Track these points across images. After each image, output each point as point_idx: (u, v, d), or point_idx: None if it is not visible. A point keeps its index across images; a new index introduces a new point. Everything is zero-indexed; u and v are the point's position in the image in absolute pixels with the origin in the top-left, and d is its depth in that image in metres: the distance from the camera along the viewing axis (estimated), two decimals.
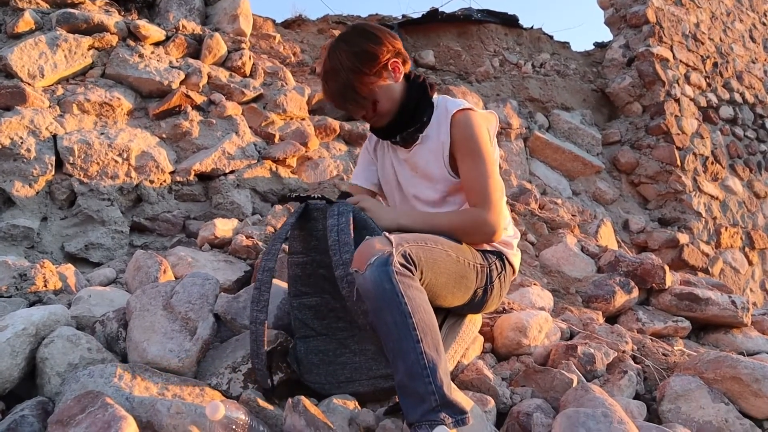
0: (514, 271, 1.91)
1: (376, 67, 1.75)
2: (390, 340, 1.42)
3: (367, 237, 1.51)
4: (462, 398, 1.59)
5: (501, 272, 1.82)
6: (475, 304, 1.79)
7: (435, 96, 1.88)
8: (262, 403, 1.52)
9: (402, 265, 1.45)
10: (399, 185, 1.94)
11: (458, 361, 1.91)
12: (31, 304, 2.06)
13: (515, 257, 1.90)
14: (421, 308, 1.43)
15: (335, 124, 4.16)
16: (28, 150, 2.95)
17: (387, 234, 1.52)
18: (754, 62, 7.68)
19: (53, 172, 3.02)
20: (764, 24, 8.16)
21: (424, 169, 1.85)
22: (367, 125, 1.95)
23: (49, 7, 3.51)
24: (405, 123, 1.83)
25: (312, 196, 1.71)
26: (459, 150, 1.78)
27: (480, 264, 1.74)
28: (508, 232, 1.88)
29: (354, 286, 1.47)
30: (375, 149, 2.04)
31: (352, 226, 1.55)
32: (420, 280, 1.50)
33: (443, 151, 1.80)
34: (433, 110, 1.84)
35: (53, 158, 3.02)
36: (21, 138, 2.96)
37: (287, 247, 1.80)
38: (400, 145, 1.90)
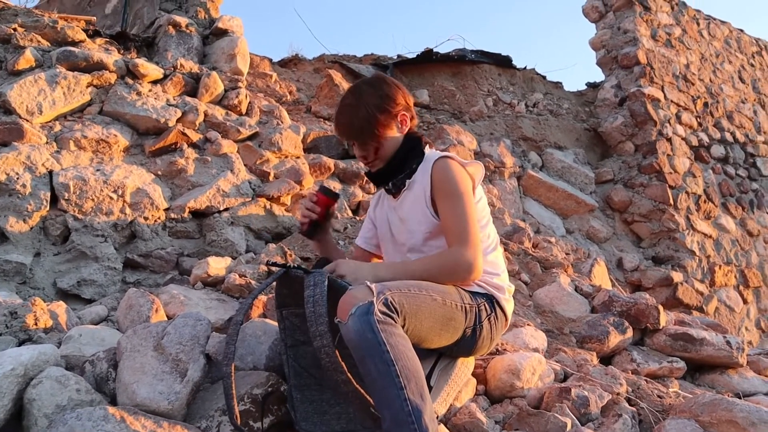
0: (506, 318, 1.91)
1: (390, 113, 1.88)
2: (375, 388, 1.43)
3: (350, 288, 1.52)
4: None
5: (490, 314, 1.81)
6: (464, 346, 1.79)
7: (428, 149, 1.96)
8: None
9: (383, 312, 1.46)
10: (392, 235, 1.99)
11: (451, 404, 1.89)
12: (21, 343, 2.04)
13: (507, 303, 1.89)
14: (404, 355, 1.43)
15: (330, 162, 4.19)
16: (24, 186, 2.96)
17: (368, 283, 1.53)
18: (743, 102, 7.81)
19: (48, 208, 3.02)
20: (752, 65, 8.33)
21: (408, 214, 1.90)
22: (361, 164, 2.01)
23: (49, 45, 3.56)
24: (395, 169, 1.92)
25: (290, 265, 1.71)
26: (438, 193, 1.83)
27: (468, 304, 1.75)
28: (500, 279, 1.89)
29: (331, 356, 1.47)
30: (375, 208, 2.12)
31: (325, 297, 1.53)
32: (403, 327, 1.51)
33: (425, 194, 1.85)
34: (422, 160, 1.92)
35: (48, 194, 3.03)
36: (17, 174, 2.97)
37: (275, 301, 1.80)
38: (392, 194, 1.97)
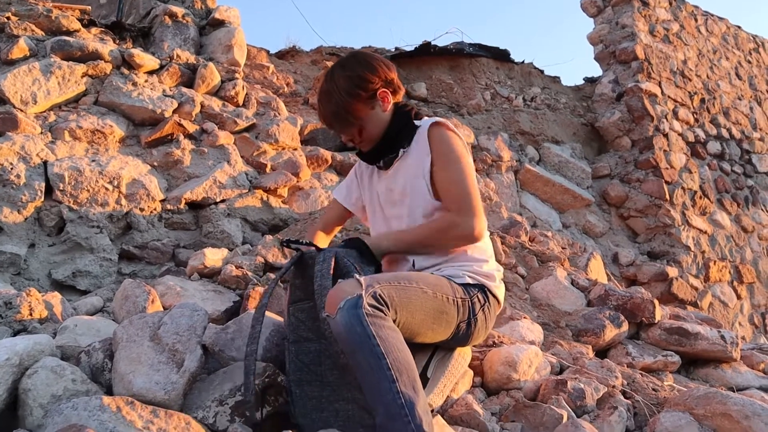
0: (499, 303, 1.90)
1: (366, 93, 1.83)
2: (366, 382, 1.42)
3: (339, 281, 1.52)
4: None
5: (484, 304, 1.80)
6: (460, 338, 1.78)
7: (418, 120, 1.94)
8: None
9: (372, 306, 1.44)
10: (381, 208, 1.97)
11: (447, 396, 1.89)
12: (16, 333, 2.03)
13: (498, 289, 1.87)
14: (394, 348, 1.42)
15: (327, 154, 4.18)
16: (18, 176, 2.94)
17: (357, 276, 1.52)
18: (740, 99, 7.83)
19: (42, 199, 3.00)
20: (749, 62, 8.34)
21: (403, 188, 1.88)
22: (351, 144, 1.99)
23: (44, 34, 3.54)
24: (387, 148, 1.90)
25: (304, 242, 1.72)
26: (437, 160, 1.82)
27: (461, 298, 1.72)
28: (489, 265, 1.87)
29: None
30: (362, 173, 2.08)
31: (332, 271, 1.57)
32: (394, 320, 1.50)
33: (424, 167, 1.83)
34: (415, 133, 1.90)
35: (43, 184, 3.01)
36: (11, 164, 2.95)
37: (288, 296, 1.80)
38: (382, 169, 1.95)
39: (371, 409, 1.53)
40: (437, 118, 1.88)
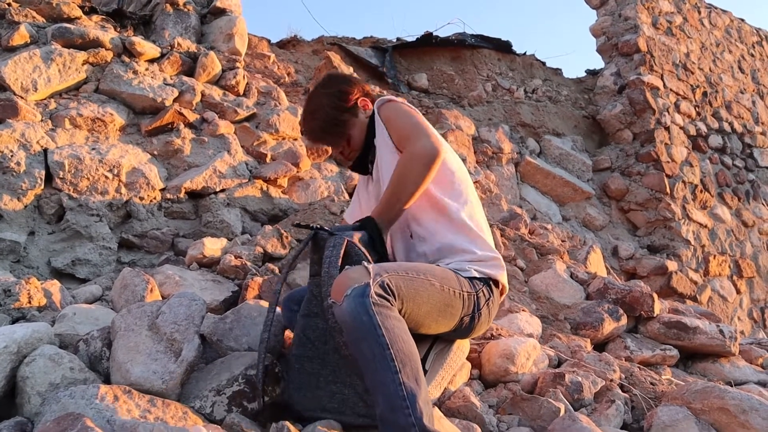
0: (502, 291, 1.88)
1: (349, 104, 1.99)
2: (369, 371, 1.42)
3: (346, 267, 1.52)
4: (447, 426, 1.57)
5: (489, 299, 1.80)
6: (462, 331, 1.78)
7: None
8: (245, 428, 1.50)
9: (379, 295, 1.44)
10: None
11: (445, 388, 1.90)
12: (15, 321, 2.03)
13: (502, 276, 1.86)
14: (399, 338, 1.42)
15: None
16: (18, 163, 2.94)
17: (366, 264, 1.52)
18: (742, 92, 7.80)
19: (42, 186, 3.00)
20: (752, 55, 8.30)
21: (383, 172, 1.91)
22: (342, 160, 2.06)
23: (45, 21, 3.52)
24: (369, 152, 1.99)
25: (317, 226, 1.73)
26: (387, 129, 1.89)
27: (467, 292, 1.72)
28: (490, 252, 1.85)
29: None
30: (360, 188, 2.16)
31: (340, 260, 1.58)
32: (400, 310, 1.50)
33: (388, 143, 1.89)
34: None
35: (43, 172, 3.00)
36: (11, 151, 2.94)
37: (310, 272, 1.81)
38: (372, 176, 2.01)
39: (367, 398, 1.54)
40: (380, 98, 1.98)
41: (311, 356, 1.67)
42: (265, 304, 1.99)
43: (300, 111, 4.08)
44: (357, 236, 1.68)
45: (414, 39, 6.10)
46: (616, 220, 6.19)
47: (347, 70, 4.79)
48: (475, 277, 1.77)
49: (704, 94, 7.21)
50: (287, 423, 1.47)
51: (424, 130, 1.81)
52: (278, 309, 1.95)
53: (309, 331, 1.69)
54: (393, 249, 1.94)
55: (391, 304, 1.47)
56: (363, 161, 2.03)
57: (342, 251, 1.60)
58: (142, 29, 4.11)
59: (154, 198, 3.28)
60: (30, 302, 2.14)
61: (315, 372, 1.65)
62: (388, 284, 1.48)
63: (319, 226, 1.72)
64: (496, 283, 1.83)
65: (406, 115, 1.87)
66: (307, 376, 1.65)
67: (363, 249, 1.64)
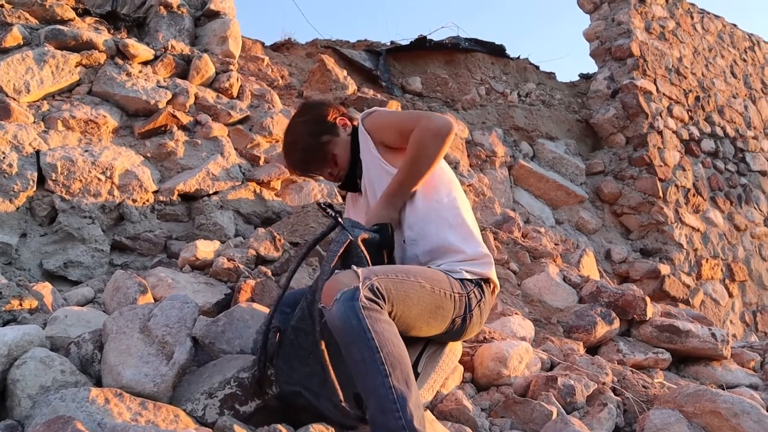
0: (494, 290, 1.88)
1: (326, 126, 1.99)
2: (360, 375, 1.42)
3: (336, 272, 1.52)
4: (439, 429, 1.57)
5: (480, 300, 1.80)
6: (454, 333, 1.78)
7: None
8: (237, 430, 1.50)
9: (369, 299, 1.45)
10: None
11: (437, 391, 1.89)
12: (5, 323, 2.02)
13: (492, 272, 1.85)
14: (389, 342, 1.42)
15: None
16: (10, 165, 2.92)
17: (355, 268, 1.52)
18: (734, 97, 7.84)
19: (35, 188, 2.99)
20: (744, 60, 8.35)
21: (369, 183, 1.92)
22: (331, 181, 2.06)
23: (38, 23, 3.51)
24: (357, 169, 1.98)
25: (335, 214, 1.75)
26: (380, 135, 1.89)
27: (458, 293, 1.72)
28: (480, 251, 1.85)
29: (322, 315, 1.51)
30: (348, 207, 2.16)
31: (337, 256, 1.60)
32: (390, 313, 1.50)
33: (372, 153, 1.89)
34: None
35: (35, 174, 2.99)
36: (3, 153, 2.93)
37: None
38: (360, 192, 2.01)
39: (347, 391, 1.53)
40: (365, 112, 1.98)
41: (308, 331, 1.67)
42: (258, 307, 1.99)
43: (292, 113, 4.08)
44: (363, 236, 1.69)
45: (408, 42, 6.11)
46: (609, 223, 6.21)
47: (341, 73, 4.79)
48: (466, 279, 1.77)
49: (697, 98, 7.24)
50: (279, 426, 1.46)
51: (427, 113, 1.82)
52: (266, 310, 1.96)
53: (314, 310, 1.69)
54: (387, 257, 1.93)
55: (381, 308, 1.47)
56: (351, 178, 2.03)
57: (342, 249, 1.62)
58: (136, 31, 4.10)
59: (147, 200, 3.27)
60: (21, 305, 2.13)
61: (307, 347, 1.65)
62: (377, 288, 1.48)
63: (336, 213, 1.74)
64: (488, 282, 1.83)
65: (396, 113, 1.89)
66: (298, 349, 1.66)
67: (364, 250, 1.65)
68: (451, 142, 1.81)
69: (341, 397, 1.52)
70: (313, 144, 1.97)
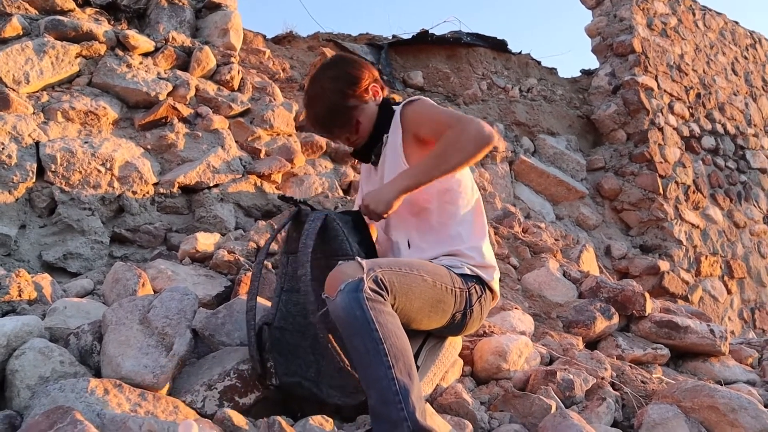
0: (494, 296, 1.91)
1: (358, 90, 1.86)
2: (362, 366, 1.42)
3: (340, 263, 1.53)
4: (439, 422, 1.57)
5: (481, 296, 1.81)
6: (454, 327, 1.78)
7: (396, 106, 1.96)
8: (236, 422, 1.50)
9: (373, 290, 1.45)
10: None
11: (437, 384, 1.90)
12: (4, 314, 2.02)
13: (494, 282, 1.88)
14: (392, 333, 1.43)
15: (322, 141, 4.16)
16: (9, 156, 2.92)
17: (359, 259, 1.52)
18: (735, 94, 7.83)
19: (34, 180, 2.98)
20: (746, 58, 8.33)
21: (386, 171, 1.89)
22: (345, 145, 2.00)
23: (37, 13, 3.49)
24: (375, 140, 1.91)
25: (301, 200, 1.79)
26: (416, 127, 1.82)
27: (459, 288, 1.73)
28: (487, 258, 1.87)
29: (307, 285, 1.55)
30: (361, 179, 2.12)
31: (316, 232, 1.63)
32: (393, 305, 1.50)
33: (396, 143, 1.85)
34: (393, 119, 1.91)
35: (35, 165, 2.98)
36: (2, 144, 2.92)
37: (285, 245, 1.86)
38: (375, 165, 1.97)
39: (341, 370, 1.54)
40: (409, 98, 1.90)
41: (291, 329, 1.71)
42: (258, 299, 1.98)
43: (295, 108, 4.07)
44: (338, 216, 1.72)
45: (410, 36, 6.09)
46: (609, 219, 6.21)
47: None
48: (468, 275, 1.78)
49: (698, 95, 7.23)
50: (278, 418, 1.46)
51: (467, 117, 1.74)
52: (266, 302, 1.96)
53: (290, 306, 1.74)
54: (384, 252, 1.93)
55: (384, 299, 1.47)
56: (366, 149, 1.94)
57: (320, 225, 1.64)
58: (137, 23, 4.08)
59: (147, 192, 3.26)
60: (20, 295, 2.12)
61: (295, 343, 1.69)
62: (381, 279, 1.48)
63: (303, 200, 1.77)
64: (488, 284, 1.85)
65: (442, 108, 1.81)
66: (287, 345, 1.69)
67: (341, 226, 1.68)
68: (485, 153, 1.74)
69: (343, 364, 1.54)
70: (339, 105, 1.85)
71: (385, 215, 1.73)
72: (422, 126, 1.82)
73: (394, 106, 1.93)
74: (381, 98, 1.93)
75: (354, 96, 1.85)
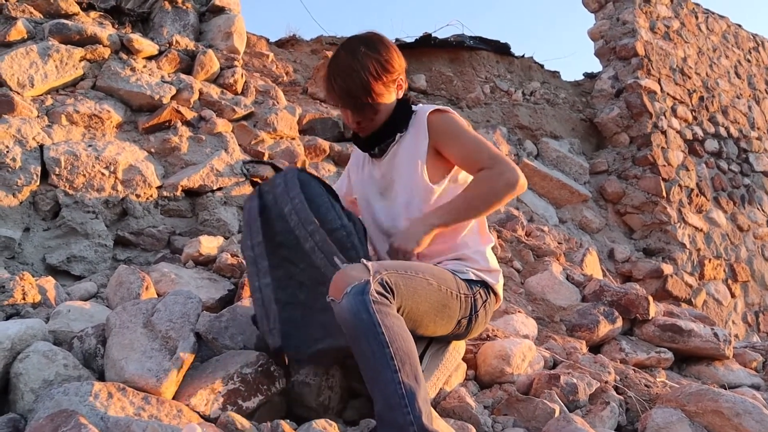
0: (497, 299, 1.90)
1: (389, 78, 1.80)
2: (368, 369, 1.42)
3: (345, 265, 1.51)
4: (442, 426, 1.57)
5: (486, 300, 1.81)
6: (458, 333, 1.78)
7: (418, 106, 1.92)
8: (240, 425, 1.50)
9: (379, 293, 1.44)
10: (370, 197, 1.95)
11: (440, 388, 1.89)
12: (8, 317, 2.02)
13: (498, 285, 1.89)
14: (399, 337, 1.42)
15: (325, 144, 4.17)
16: (14, 159, 2.92)
17: (365, 261, 1.51)
18: (738, 97, 7.82)
19: (38, 183, 2.99)
20: (749, 61, 8.33)
21: (398, 172, 1.86)
22: (351, 126, 1.94)
23: (42, 17, 3.50)
24: (384, 134, 1.86)
25: (270, 161, 1.79)
26: (442, 141, 1.80)
27: (464, 294, 1.72)
28: (491, 263, 1.88)
29: (301, 212, 1.57)
30: (353, 165, 2.08)
31: (296, 178, 1.70)
32: (399, 309, 1.49)
33: (420, 148, 1.81)
34: (412, 118, 1.88)
35: (39, 168, 2.99)
36: (7, 147, 2.93)
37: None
38: (376, 157, 1.92)
39: (336, 333, 1.52)
40: (436, 106, 1.86)
41: (295, 303, 1.67)
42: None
43: (298, 111, 4.08)
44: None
45: (413, 40, 6.10)
46: (612, 222, 6.20)
47: None
48: (472, 280, 1.78)
49: (701, 98, 7.22)
50: (282, 422, 1.46)
51: (505, 159, 1.75)
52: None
53: (270, 287, 1.69)
54: (378, 252, 1.93)
55: (391, 302, 1.46)
56: (372, 139, 1.87)
57: (304, 197, 1.67)
58: (140, 26, 4.09)
59: (151, 196, 3.27)
60: (24, 299, 2.13)
61: (286, 317, 1.65)
62: (387, 282, 1.47)
63: (271, 161, 1.77)
64: (493, 288, 1.85)
65: (471, 133, 1.79)
66: (285, 325, 1.64)
67: (330, 200, 1.70)
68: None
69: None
70: (367, 87, 1.75)
71: (415, 251, 1.70)
72: (449, 144, 1.79)
73: (414, 107, 1.90)
74: (402, 93, 1.88)
75: (384, 83, 1.78)
